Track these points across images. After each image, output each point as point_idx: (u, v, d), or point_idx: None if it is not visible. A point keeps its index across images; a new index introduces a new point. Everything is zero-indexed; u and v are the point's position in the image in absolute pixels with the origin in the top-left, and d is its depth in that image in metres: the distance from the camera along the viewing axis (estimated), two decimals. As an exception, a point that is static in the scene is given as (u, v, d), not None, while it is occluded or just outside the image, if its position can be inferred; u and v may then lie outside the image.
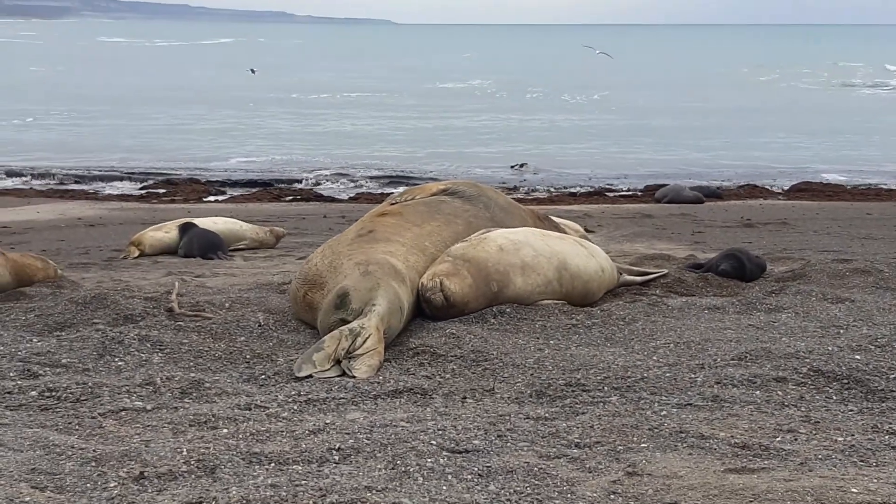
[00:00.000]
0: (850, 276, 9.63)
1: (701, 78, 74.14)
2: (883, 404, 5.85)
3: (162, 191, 25.88)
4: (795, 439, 5.06)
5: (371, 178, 29.58)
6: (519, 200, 24.93)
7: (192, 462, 4.52)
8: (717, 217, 20.38)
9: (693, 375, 6.35)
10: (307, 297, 7.76)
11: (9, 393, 5.81)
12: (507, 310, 7.93)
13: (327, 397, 5.94)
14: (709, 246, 14.51)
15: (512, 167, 31.80)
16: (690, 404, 5.76)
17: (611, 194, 26.62)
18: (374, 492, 4.12)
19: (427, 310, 7.80)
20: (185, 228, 13.99)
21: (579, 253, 8.63)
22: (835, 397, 5.97)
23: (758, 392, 6.01)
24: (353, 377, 6.46)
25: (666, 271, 9.76)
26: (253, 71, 47.25)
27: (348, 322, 7.03)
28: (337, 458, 4.69)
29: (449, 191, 9.24)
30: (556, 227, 9.89)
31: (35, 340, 7.03)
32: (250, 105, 50.81)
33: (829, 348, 6.86)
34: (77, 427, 5.26)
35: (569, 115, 47.91)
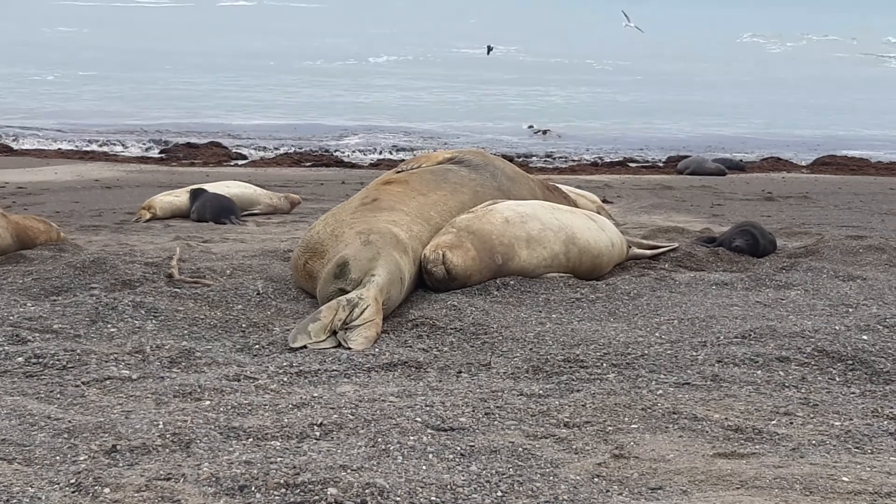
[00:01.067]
0: (863, 253, 9.46)
1: (726, 46, 73.35)
2: (887, 387, 5.69)
3: (182, 154, 25.80)
4: (791, 423, 4.91)
5: (394, 146, 29.45)
6: (540, 170, 24.82)
7: (168, 436, 4.40)
8: (737, 190, 20.18)
9: (694, 353, 6.21)
10: (307, 266, 7.65)
11: (-5, 358, 5.72)
12: (511, 282, 7.80)
13: (319, 369, 5.83)
14: (727, 219, 14.32)
15: (535, 132, 31.78)
16: (688, 383, 5.61)
17: (633, 165, 26.44)
18: (349, 471, 4.00)
19: (429, 281, 7.69)
20: (197, 193, 13.93)
21: (589, 227, 8.48)
22: (838, 378, 5.82)
23: (759, 372, 5.86)
24: (349, 349, 6.35)
25: (676, 245, 9.60)
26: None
27: (347, 292, 6.91)
28: (318, 433, 4.57)
29: (456, 159, 9.09)
30: (566, 198, 9.74)
31: (29, 305, 6.95)
32: (271, 64, 50.66)
33: (836, 327, 6.70)
34: (58, 396, 5.15)
35: (593, 86, 47.52)
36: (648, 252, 9.27)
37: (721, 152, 29.18)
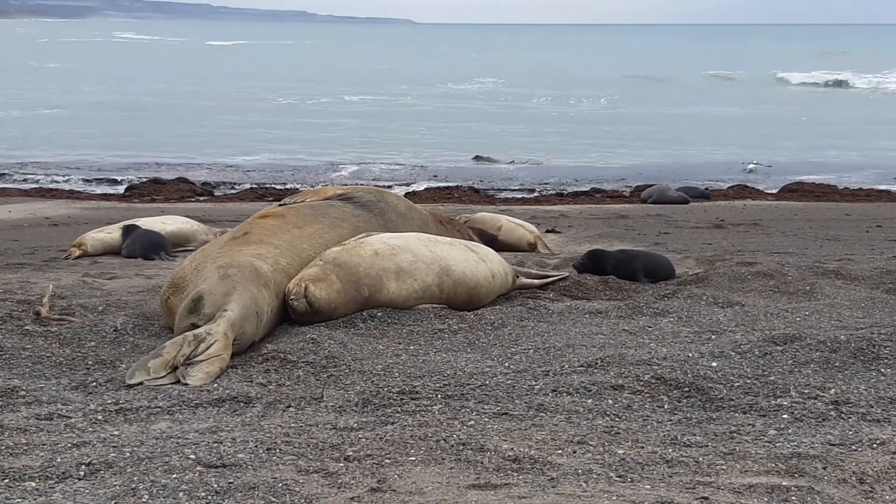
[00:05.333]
0: (751, 279, 9.38)
1: (701, 80, 73.01)
2: (714, 413, 5.65)
3: (146, 191, 25.71)
4: (574, 452, 4.83)
5: (374, 181, 29.31)
6: (504, 200, 24.82)
7: (-82, 479, 4.35)
8: (691, 218, 20.09)
9: (533, 383, 6.14)
10: (169, 302, 7.58)
11: None
12: (379, 314, 7.75)
13: (143, 406, 5.75)
14: (667, 247, 14.23)
15: (510, 161, 32.26)
16: (507, 413, 5.55)
17: (598, 195, 26.34)
18: (74, 512, 3.94)
19: (293, 315, 7.62)
20: (129, 229, 13.90)
21: (467, 258, 8.43)
22: (666, 406, 5.76)
23: (589, 401, 5.79)
24: (187, 385, 6.28)
25: (567, 274, 9.53)
26: None
27: (199, 327, 6.86)
28: (82, 473, 4.50)
29: (345, 196, 9.04)
30: (461, 231, 9.69)
31: None
32: (259, 106, 50.72)
33: (689, 354, 6.65)
34: None
35: (570, 121, 47.64)
36: (537, 282, 9.21)
37: (695, 180, 29.07)
